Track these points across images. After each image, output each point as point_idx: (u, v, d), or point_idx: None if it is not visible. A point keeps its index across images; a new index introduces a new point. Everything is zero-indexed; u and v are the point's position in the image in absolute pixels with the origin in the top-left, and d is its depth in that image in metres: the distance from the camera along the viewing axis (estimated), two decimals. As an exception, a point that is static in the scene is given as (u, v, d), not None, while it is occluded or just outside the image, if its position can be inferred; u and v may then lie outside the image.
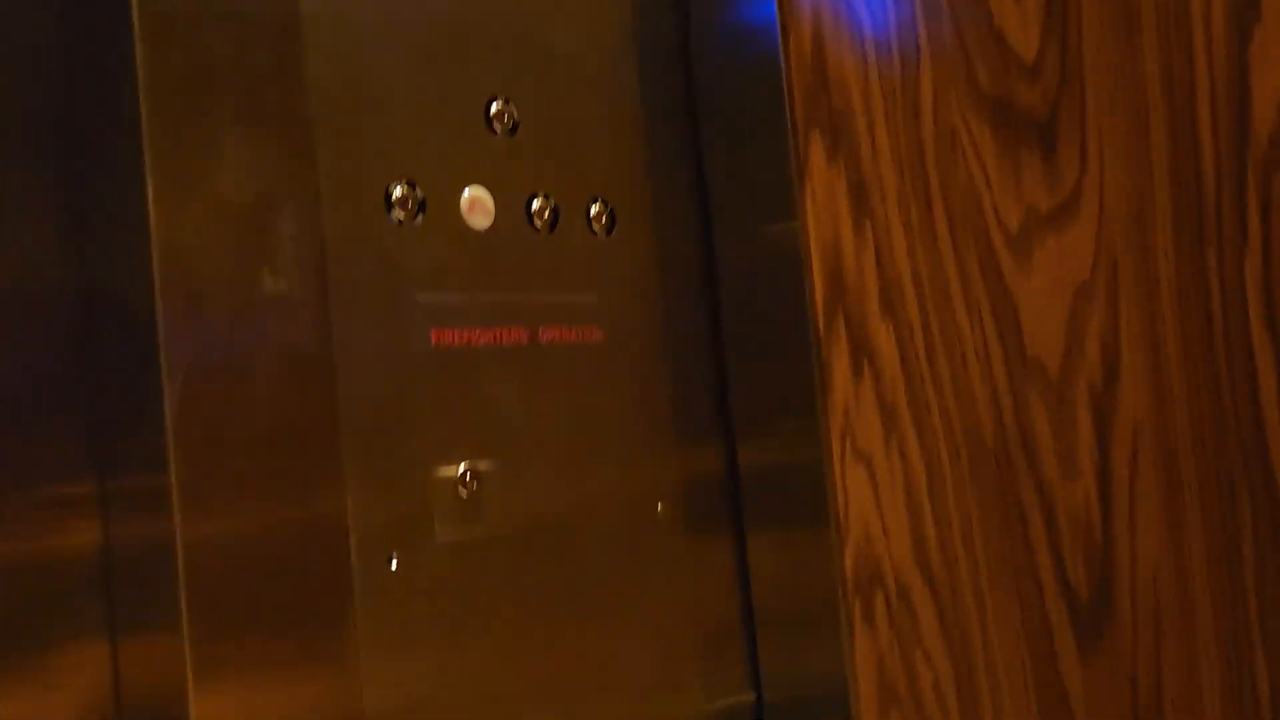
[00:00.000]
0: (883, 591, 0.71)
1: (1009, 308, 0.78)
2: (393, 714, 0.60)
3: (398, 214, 0.63)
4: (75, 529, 0.55)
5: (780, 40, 0.74)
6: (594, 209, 0.73)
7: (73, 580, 0.55)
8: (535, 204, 0.70)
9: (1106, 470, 0.76)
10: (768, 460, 0.77)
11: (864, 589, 0.70)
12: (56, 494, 0.55)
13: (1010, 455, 0.77)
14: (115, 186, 0.55)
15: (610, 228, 0.74)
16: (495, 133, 0.68)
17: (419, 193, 0.64)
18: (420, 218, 0.64)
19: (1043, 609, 0.76)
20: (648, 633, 0.72)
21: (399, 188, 0.63)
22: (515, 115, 0.69)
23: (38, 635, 0.54)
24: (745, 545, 0.76)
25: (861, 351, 0.76)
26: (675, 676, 0.73)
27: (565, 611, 0.68)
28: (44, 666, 0.54)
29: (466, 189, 0.66)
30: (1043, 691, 0.76)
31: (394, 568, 0.62)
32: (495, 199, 0.67)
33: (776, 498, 0.75)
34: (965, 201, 0.79)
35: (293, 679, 0.56)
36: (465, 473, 0.64)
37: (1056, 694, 0.76)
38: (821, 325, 0.75)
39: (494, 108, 0.68)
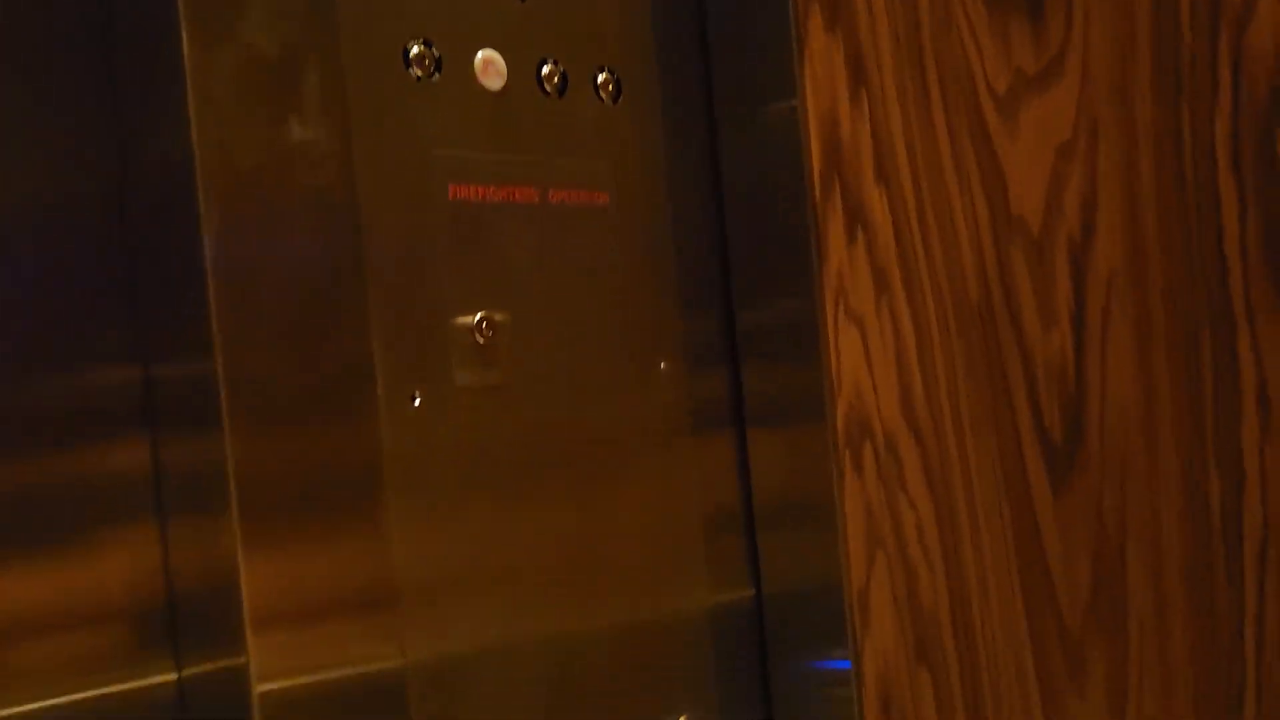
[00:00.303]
0: (871, 443, 0.76)
1: (995, 170, 0.82)
2: (416, 564, 0.65)
3: (415, 71, 0.66)
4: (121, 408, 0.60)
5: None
6: (601, 77, 0.76)
7: (122, 460, 0.60)
8: (545, 69, 0.72)
9: (1082, 320, 0.80)
10: (765, 320, 0.81)
11: (854, 442, 0.75)
12: (103, 375, 0.60)
13: (994, 311, 0.81)
14: (151, 41, 0.58)
15: (616, 96, 0.77)
16: (508, -4, 0.70)
17: (435, 51, 0.66)
18: (437, 76, 0.67)
19: (1019, 453, 0.82)
20: (653, 497, 0.77)
21: (416, 46, 0.66)
22: (527, -21, 0.71)
23: (91, 515, 0.58)
24: (743, 417, 0.81)
25: (856, 218, 0.80)
26: (679, 562, 0.78)
27: (574, 472, 0.73)
28: (97, 542, 0.58)
29: (480, 50, 0.69)
30: (1017, 528, 0.82)
31: (416, 405, 0.66)
32: (508, 61, 0.70)
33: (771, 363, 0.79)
34: (957, 69, 0.82)
35: (331, 538, 0.60)
36: (481, 321, 0.68)
37: (1030, 530, 0.82)
38: (818, 193, 0.79)
39: (509, -29, 0.70)
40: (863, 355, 0.77)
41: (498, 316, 0.70)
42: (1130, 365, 0.79)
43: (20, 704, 0.61)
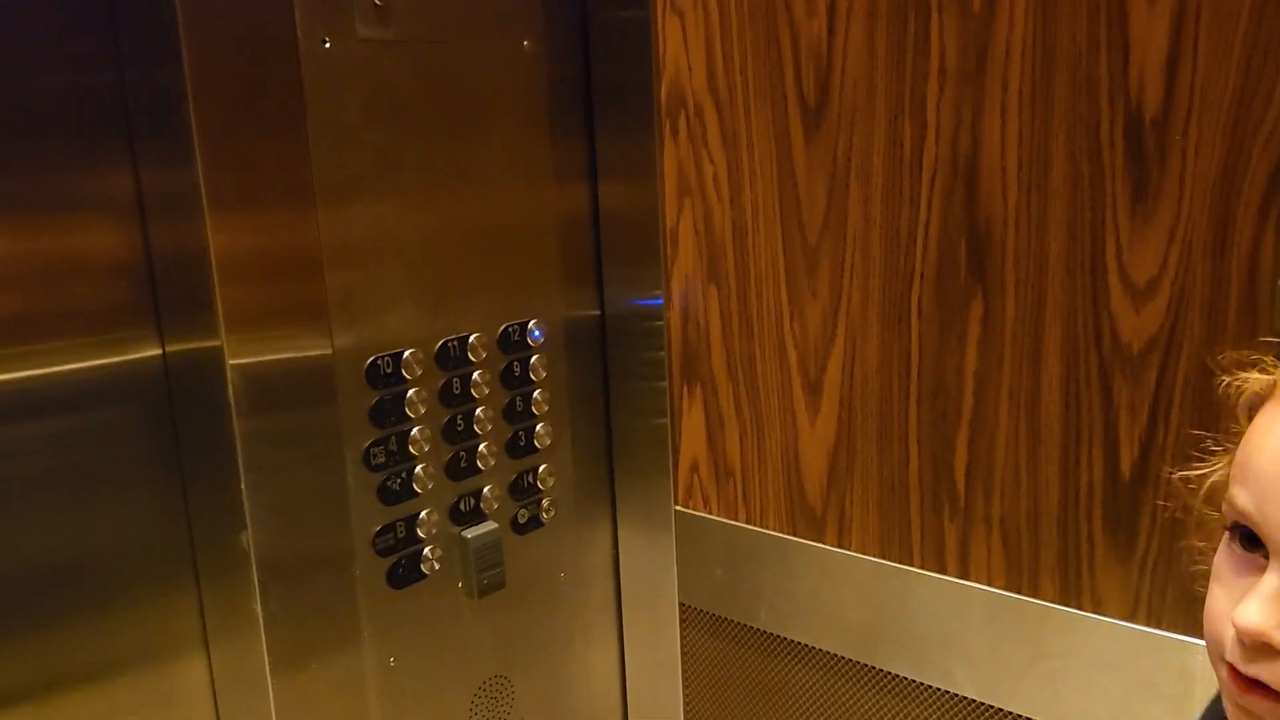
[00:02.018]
0: (685, 112, 1.15)
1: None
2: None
3: None
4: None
5: None
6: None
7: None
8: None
9: (833, 9, 0.99)
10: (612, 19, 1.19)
11: (672, 113, 1.16)
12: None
13: (775, 3, 1.06)
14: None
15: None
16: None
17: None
18: None
19: (785, 114, 1.05)
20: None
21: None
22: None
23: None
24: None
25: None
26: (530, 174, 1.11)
27: (453, 122, 1.01)
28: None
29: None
30: (781, 172, 1.05)
31: (327, 47, 0.89)
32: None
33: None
34: None
35: (268, 146, 0.85)
36: None
37: (789, 173, 1.05)
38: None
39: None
40: (682, 41, 1.15)
41: None
42: (864, 44, 0.94)
43: (23, 370, 0.81)
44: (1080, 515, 0.90)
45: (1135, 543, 0.88)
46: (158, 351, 0.89)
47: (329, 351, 0.93)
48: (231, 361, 0.85)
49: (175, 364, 0.90)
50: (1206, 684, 0.86)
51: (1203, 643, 0.82)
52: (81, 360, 0.85)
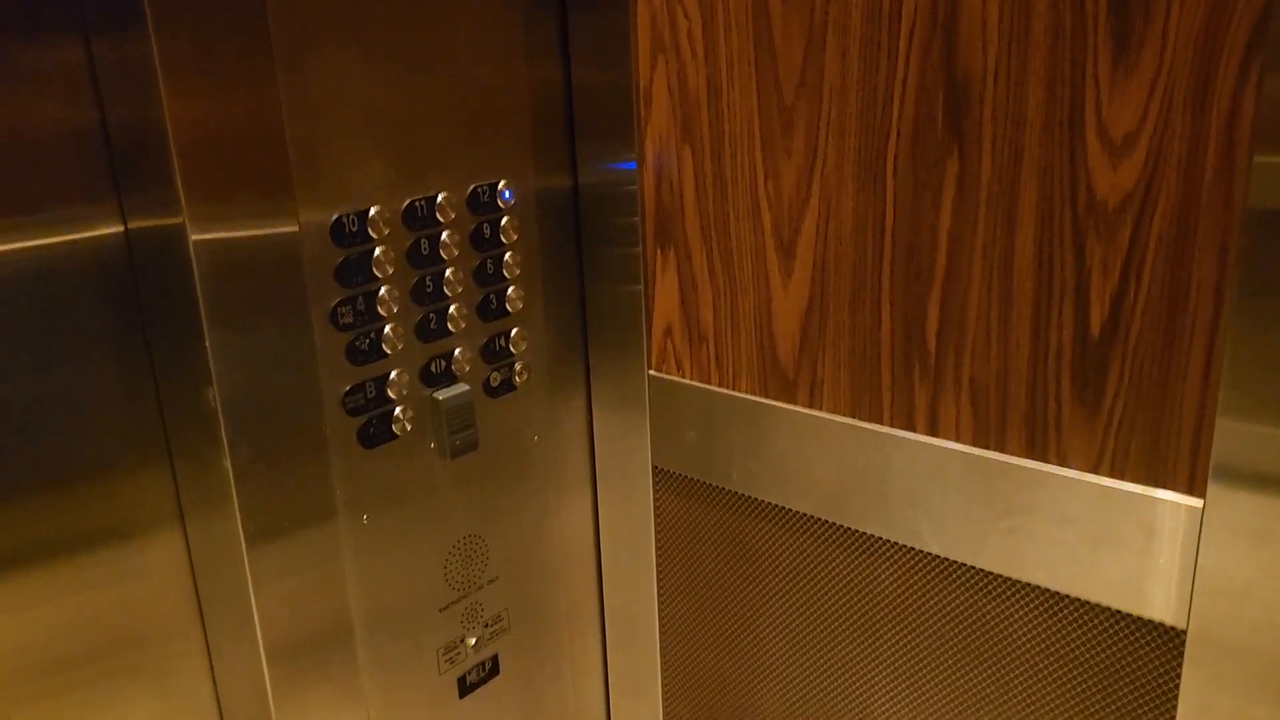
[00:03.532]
0: (660, -28, 1.11)
1: None
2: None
3: None
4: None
5: None
6: None
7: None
8: None
9: None
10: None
11: (648, -25, 1.12)
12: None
13: None
14: None
15: None
16: None
17: None
18: None
19: None
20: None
21: None
22: None
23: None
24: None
25: None
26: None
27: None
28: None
29: None
30: (756, 28, 1.02)
31: None
32: None
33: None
34: None
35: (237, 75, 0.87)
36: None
37: (765, 29, 1.01)
38: None
39: None
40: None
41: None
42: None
43: None
44: (1049, 374, 0.91)
45: (1102, 401, 0.89)
46: (119, 229, 0.88)
47: (295, 228, 0.91)
48: (194, 238, 0.83)
49: (138, 241, 0.88)
50: (1161, 535, 0.88)
51: (1165, 494, 0.84)
52: (42, 238, 0.84)
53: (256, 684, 1.02)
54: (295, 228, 0.92)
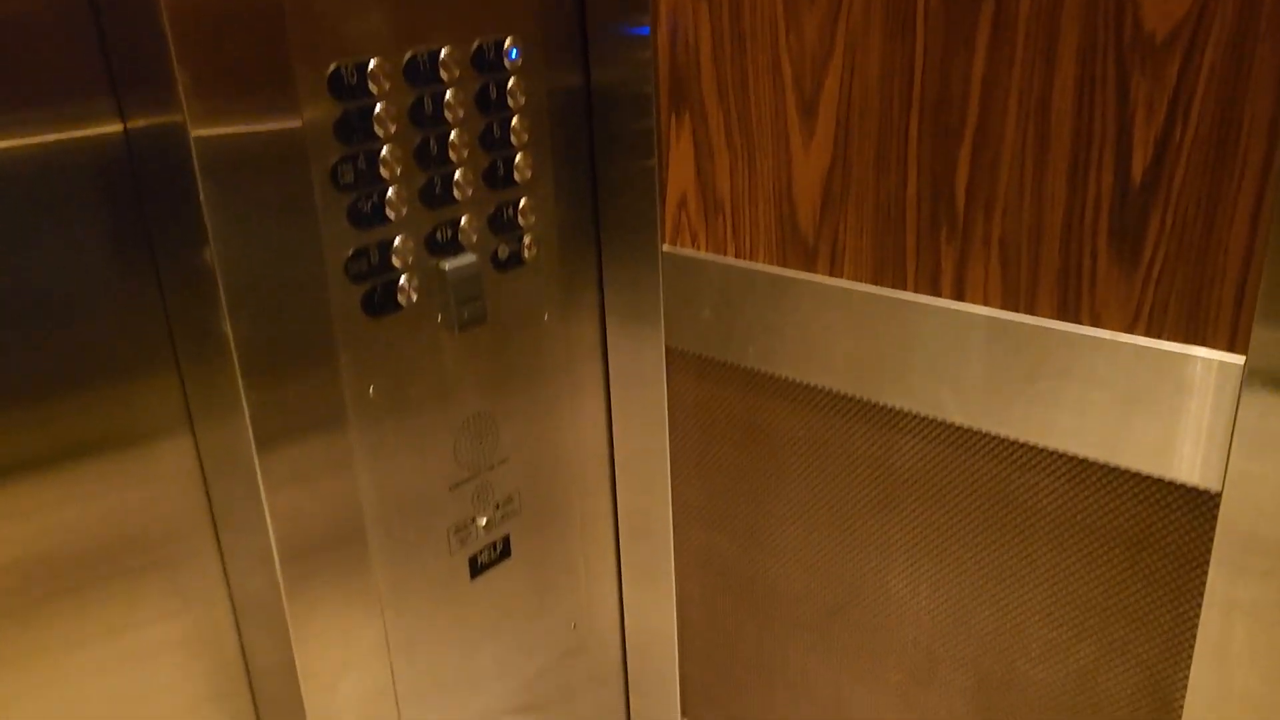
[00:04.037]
0: None
1: None
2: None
3: None
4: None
5: None
6: None
7: None
8: None
9: None
10: None
11: None
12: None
13: None
14: None
15: None
16: None
17: None
18: None
19: None
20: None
21: None
22: None
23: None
24: None
25: None
26: None
27: None
28: None
29: None
30: None
31: None
32: None
33: None
34: None
35: None
36: None
37: None
38: None
39: None
40: None
41: None
42: None
43: None
44: (1085, 228, 0.87)
45: (1141, 253, 0.85)
46: (118, 127, 0.86)
47: (299, 124, 0.87)
48: (195, 134, 0.80)
49: (137, 139, 0.86)
50: (1199, 394, 0.85)
51: (1201, 351, 0.80)
52: (41, 135, 0.82)
53: (269, 579, 1.00)
54: (299, 123, 0.88)
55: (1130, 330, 0.87)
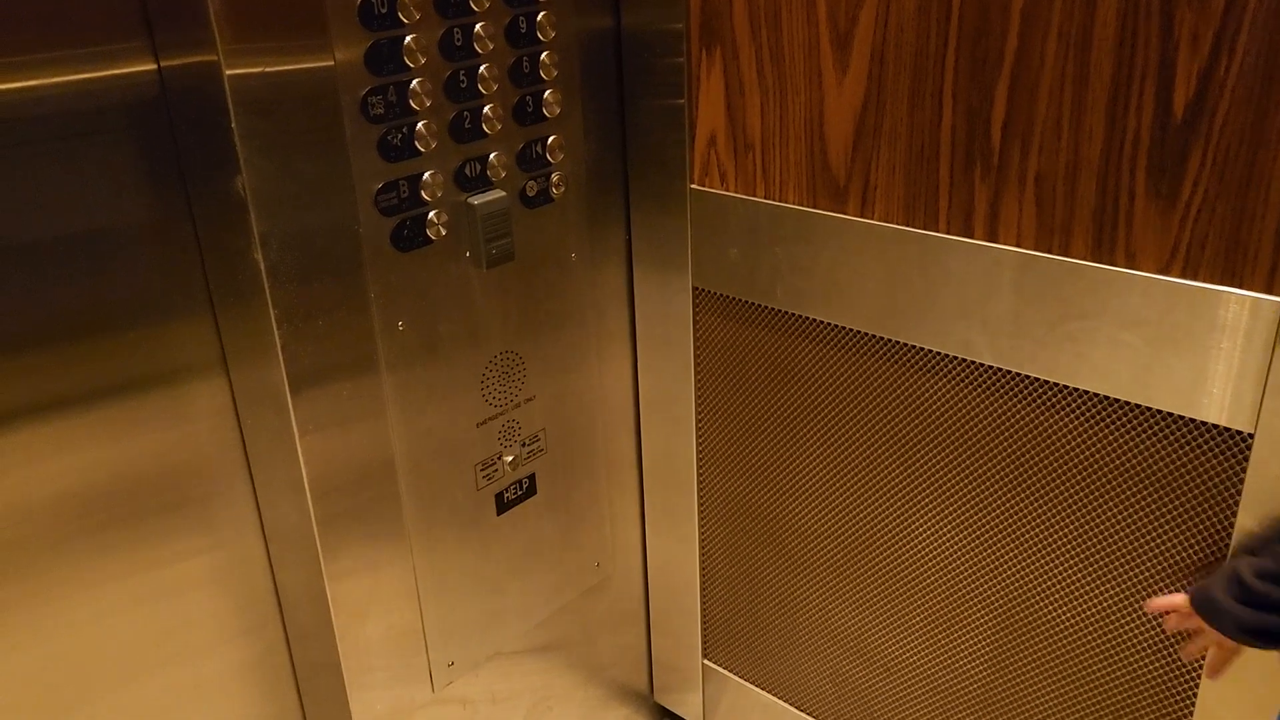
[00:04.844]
0: None
1: None
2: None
3: None
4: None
5: None
6: None
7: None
8: None
9: None
10: None
11: None
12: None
13: None
14: None
15: None
16: None
17: None
18: None
19: None
20: None
21: None
22: None
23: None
24: None
25: None
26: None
27: None
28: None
29: None
30: None
31: None
32: None
33: None
34: None
35: None
36: None
37: None
38: None
39: None
40: None
41: None
42: None
43: (21, 80, 0.79)
44: (1123, 164, 0.85)
45: (1180, 190, 0.83)
46: (152, 66, 0.88)
47: (331, 62, 0.87)
48: (229, 73, 0.80)
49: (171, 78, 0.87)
50: (1234, 335, 0.84)
51: (1241, 292, 0.79)
52: (75, 73, 0.83)
53: (301, 513, 1.01)
54: (331, 61, 0.88)
55: (1165, 271, 0.86)
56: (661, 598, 1.46)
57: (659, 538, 1.42)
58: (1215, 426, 0.88)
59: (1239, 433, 0.87)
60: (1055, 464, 0.99)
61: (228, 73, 0.82)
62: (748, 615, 1.36)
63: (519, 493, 1.21)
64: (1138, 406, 0.92)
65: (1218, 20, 0.77)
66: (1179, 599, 0.92)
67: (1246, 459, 0.87)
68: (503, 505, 1.20)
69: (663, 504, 1.38)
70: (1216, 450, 0.89)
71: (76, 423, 0.91)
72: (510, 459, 1.19)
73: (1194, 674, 0.97)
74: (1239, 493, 0.88)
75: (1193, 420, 0.89)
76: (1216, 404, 0.87)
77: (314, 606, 1.06)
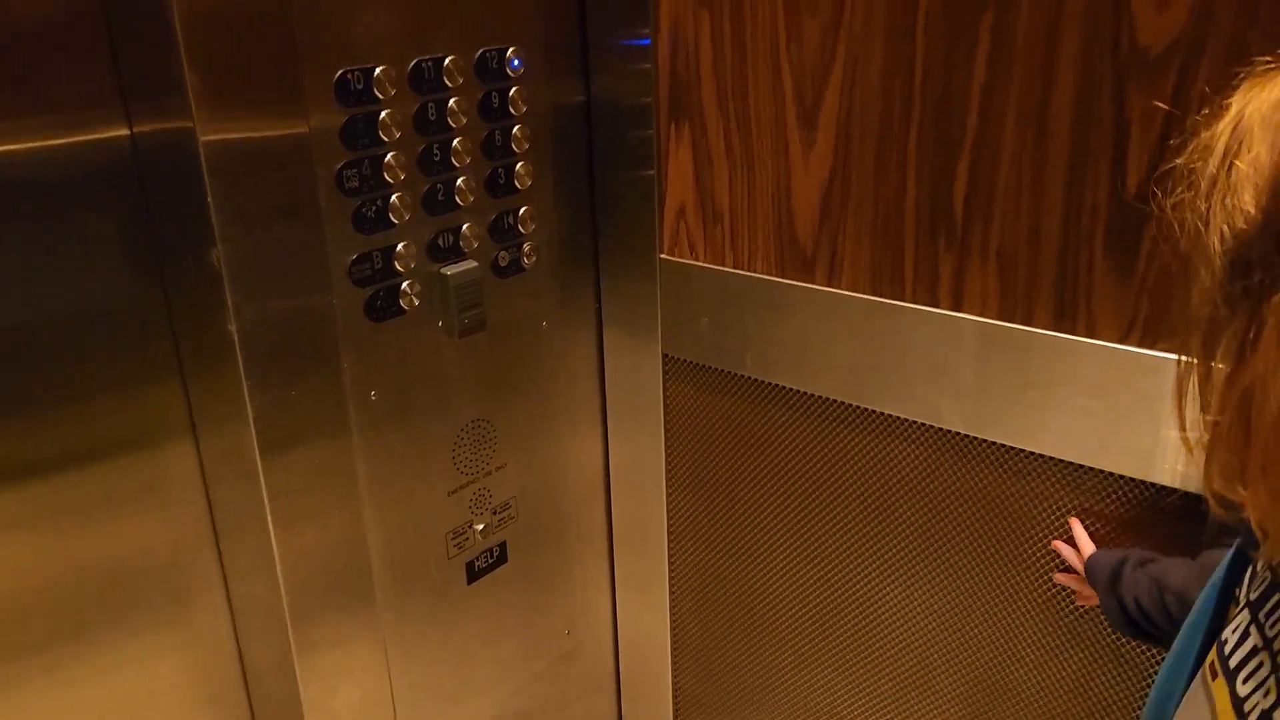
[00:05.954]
0: None
1: None
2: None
3: None
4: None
5: None
6: None
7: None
8: None
9: None
10: None
11: None
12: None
13: None
14: None
15: None
16: None
17: None
18: None
19: None
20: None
21: None
22: None
23: None
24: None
25: None
26: None
27: None
28: None
29: None
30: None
31: None
32: None
33: None
34: None
35: None
36: None
37: None
38: None
39: None
40: None
41: None
42: None
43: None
44: (1081, 237, 0.88)
45: (1135, 263, 0.86)
46: (125, 132, 0.88)
47: (305, 129, 0.89)
48: (204, 139, 0.81)
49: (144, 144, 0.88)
50: (1195, 402, 0.86)
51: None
52: (47, 139, 0.83)
53: (269, 584, 1.00)
54: (306, 128, 0.89)
55: (1124, 340, 0.89)
56: (632, 665, 1.45)
57: (630, 605, 1.41)
58: (1176, 490, 0.90)
59: (1198, 496, 0.89)
60: (1022, 528, 1.01)
61: (203, 139, 0.83)
62: (719, 682, 1.36)
63: (490, 561, 1.21)
64: (1100, 471, 0.94)
65: (1167, 100, 0.80)
66: (1078, 564, 0.95)
67: (1204, 522, 0.88)
68: (473, 574, 1.19)
69: (633, 571, 1.38)
70: (1177, 513, 0.91)
71: (42, 489, 0.90)
72: (481, 527, 1.18)
73: (1163, 738, 0.98)
74: (1198, 555, 0.90)
75: (1154, 484, 0.91)
76: (1170, 469, 0.89)
77: (282, 678, 1.05)
